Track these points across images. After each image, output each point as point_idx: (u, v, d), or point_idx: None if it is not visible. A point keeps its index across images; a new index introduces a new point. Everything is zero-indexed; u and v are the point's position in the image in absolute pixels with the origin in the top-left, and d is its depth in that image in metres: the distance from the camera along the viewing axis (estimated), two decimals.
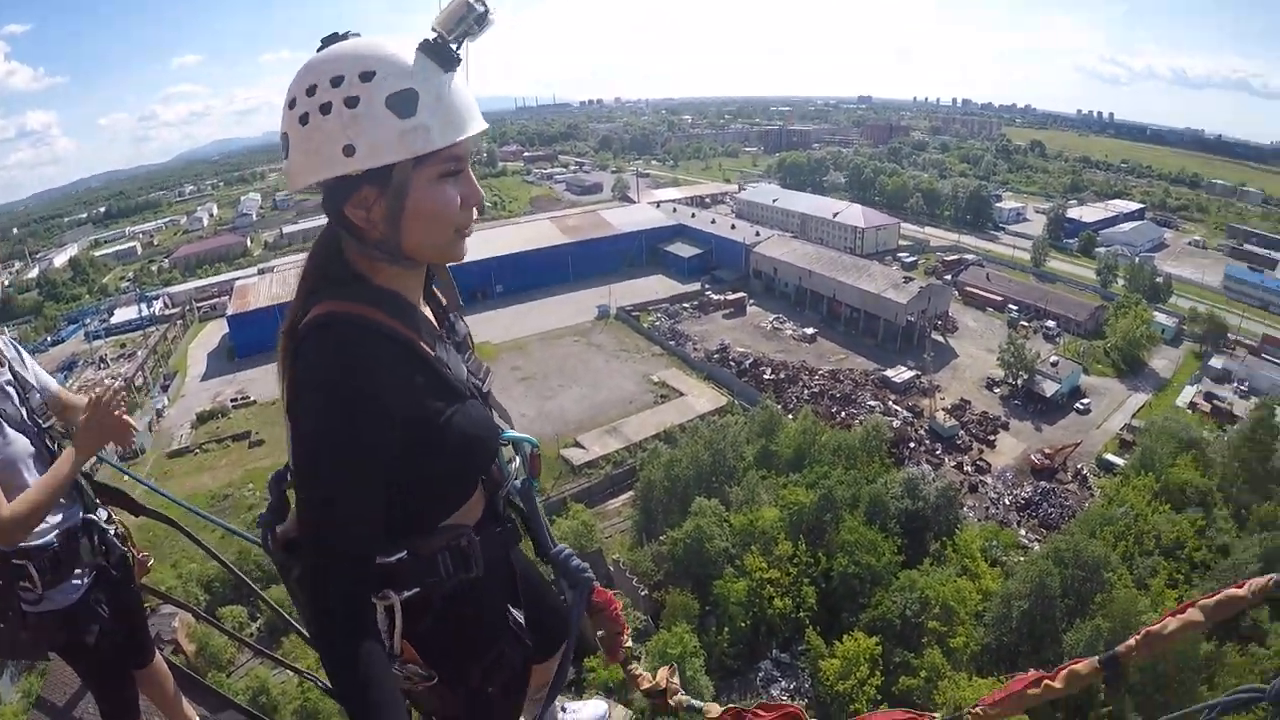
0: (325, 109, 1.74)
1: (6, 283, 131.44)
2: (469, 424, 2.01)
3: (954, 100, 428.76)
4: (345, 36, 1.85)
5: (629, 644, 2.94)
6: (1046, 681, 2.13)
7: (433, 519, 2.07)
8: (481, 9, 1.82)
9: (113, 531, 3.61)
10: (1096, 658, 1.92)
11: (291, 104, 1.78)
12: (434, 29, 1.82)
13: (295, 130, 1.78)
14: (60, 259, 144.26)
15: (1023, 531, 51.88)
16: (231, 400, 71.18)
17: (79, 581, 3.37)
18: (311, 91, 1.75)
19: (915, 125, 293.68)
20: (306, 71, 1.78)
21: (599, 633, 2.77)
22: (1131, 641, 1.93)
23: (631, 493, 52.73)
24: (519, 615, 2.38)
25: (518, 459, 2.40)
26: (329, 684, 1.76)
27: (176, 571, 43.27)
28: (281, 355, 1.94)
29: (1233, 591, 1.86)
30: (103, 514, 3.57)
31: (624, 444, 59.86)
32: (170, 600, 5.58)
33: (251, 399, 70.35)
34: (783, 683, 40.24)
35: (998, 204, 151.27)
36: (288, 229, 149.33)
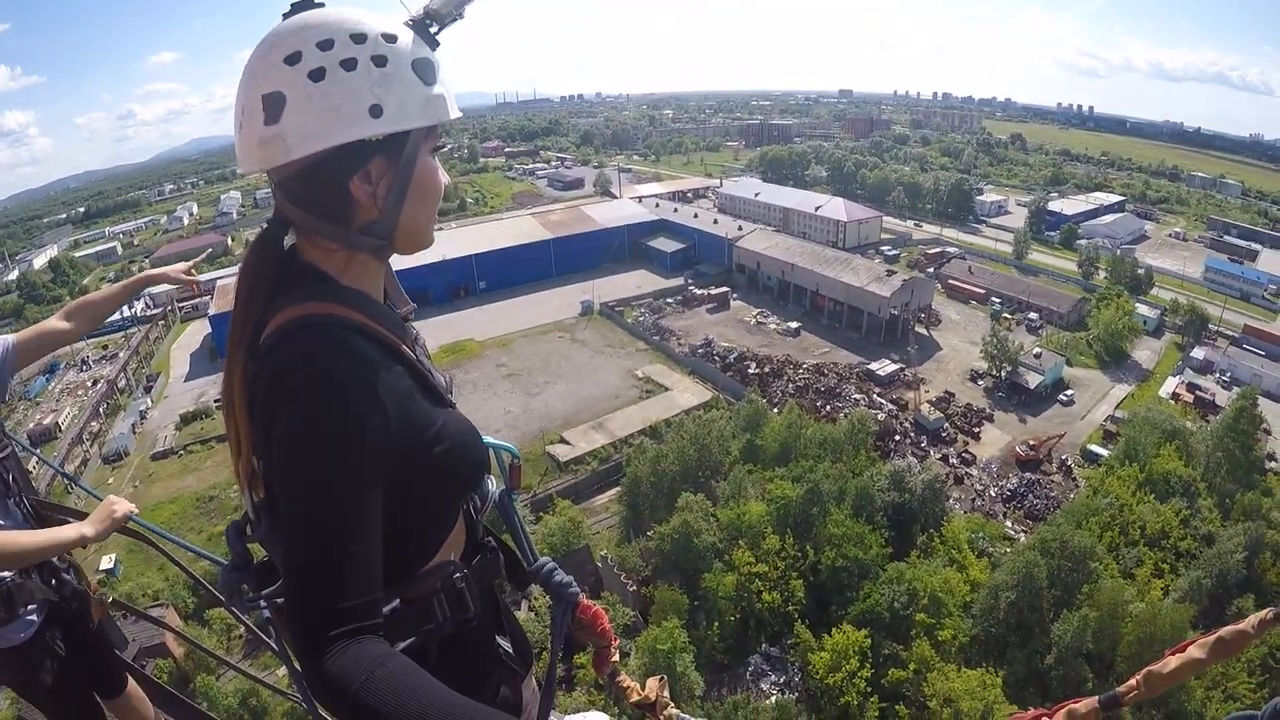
0: (349, 64, 1.64)
1: None
2: (459, 433, 1.86)
3: (934, 94, 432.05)
4: (316, 5, 1.74)
5: (616, 657, 2.81)
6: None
7: (424, 556, 1.88)
8: None
9: (64, 568, 3.52)
10: (1096, 698, 1.84)
11: (292, 58, 1.63)
12: (418, 13, 1.81)
13: (301, 87, 1.62)
14: (40, 260, 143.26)
15: (1009, 523, 52.33)
16: (215, 401, 69.62)
17: (32, 619, 3.31)
18: (326, 46, 1.64)
19: (896, 119, 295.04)
20: (305, 27, 1.66)
21: (587, 647, 2.62)
22: (1132, 681, 1.85)
23: (618, 488, 52.58)
24: (507, 644, 2.19)
25: (490, 477, 2.21)
26: None
27: (164, 574, 43.03)
28: (236, 375, 1.75)
29: (1236, 627, 1.79)
30: None
31: (610, 440, 59.72)
32: (144, 616, 5.46)
33: None
34: (773, 676, 40.20)
35: (979, 197, 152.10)
36: None
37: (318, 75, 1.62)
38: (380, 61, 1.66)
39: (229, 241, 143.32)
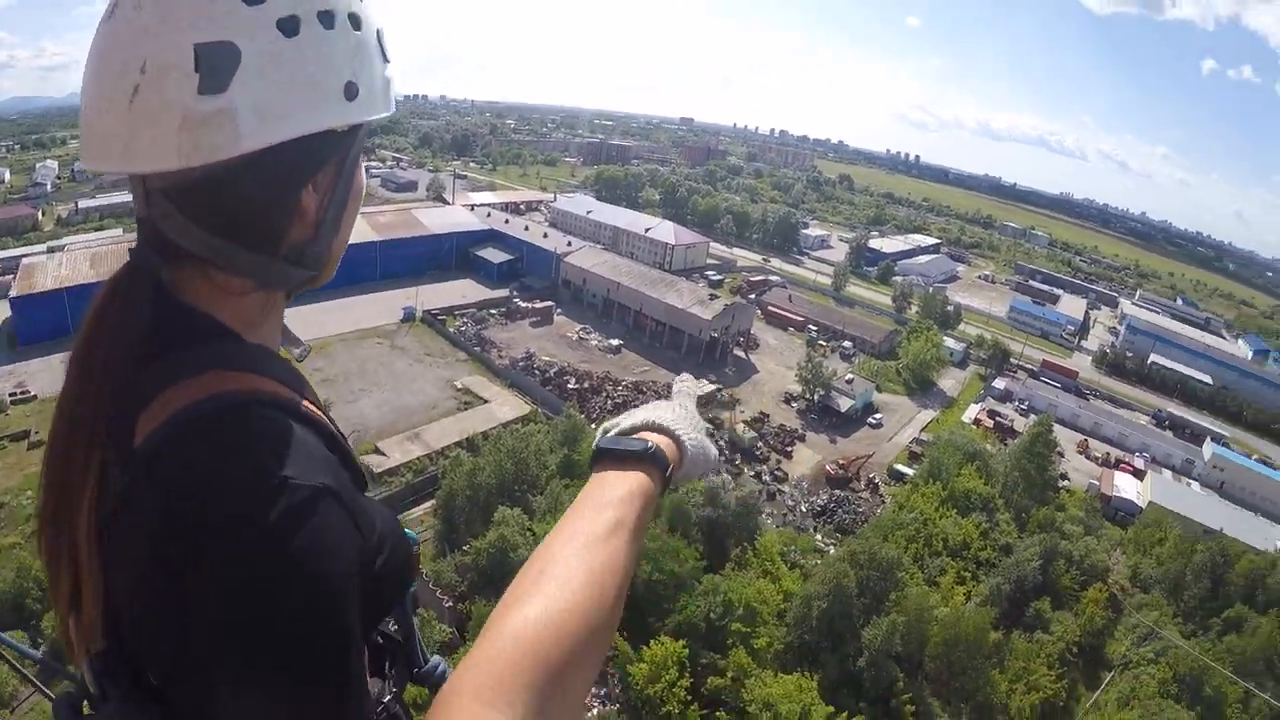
0: (327, 19, 1.22)
1: None
2: (391, 531, 1.34)
3: (771, 130, 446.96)
4: None
5: None
6: None
7: None
8: None
9: None
10: None
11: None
12: None
13: (268, 41, 1.15)
14: None
15: (819, 536, 53.56)
16: (10, 395, 61.86)
17: None
18: None
19: (733, 150, 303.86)
20: None
21: None
22: None
23: (433, 501, 50.92)
24: None
25: None
26: None
27: None
28: (83, 487, 1.15)
29: None
30: None
31: (426, 451, 57.73)
32: None
33: (32, 393, 61.46)
34: (592, 688, 39.43)
35: (805, 230, 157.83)
36: (84, 203, 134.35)
37: (290, 27, 1.17)
38: (355, 22, 1.27)
39: (39, 215, 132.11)
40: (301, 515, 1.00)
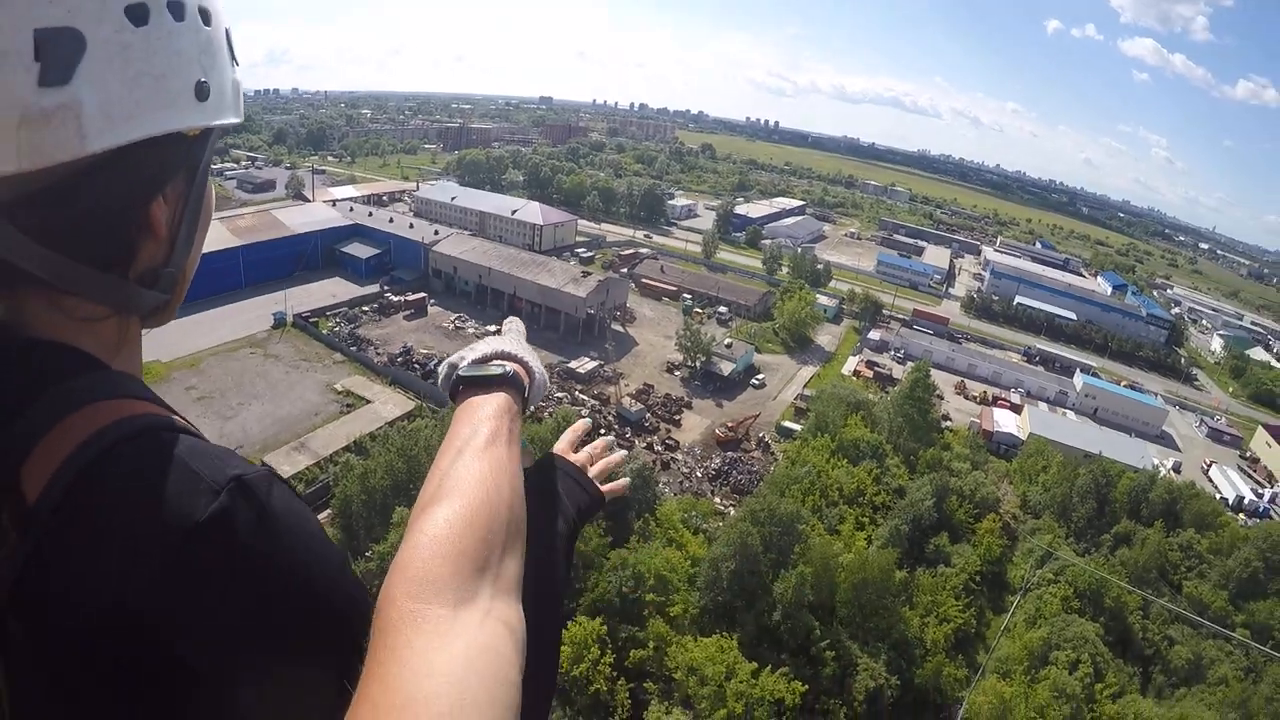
0: (177, 10, 1.12)
1: None
2: None
3: (631, 104, 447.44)
4: None
5: None
6: None
7: None
8: None
9: None
10: None
11: None
12: None
13: (113, 30, 1.04)
14: None
15: (718, 499, 54.28)
16: None
17: None
18: None
19: (594, 127, 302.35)
20: None
21: None
22: None
23: (329, 511, 49.33)
24: None
25: None
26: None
27: None
28: None
29: None
30: None
31: (314, 460, 55.93)
32: None
33: None
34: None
35: (670, 201, 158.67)
36: None
37: (139, 15, 1.06)
38: (205, 17, 1.18)
39: None
40: (273, 494, 0.99)
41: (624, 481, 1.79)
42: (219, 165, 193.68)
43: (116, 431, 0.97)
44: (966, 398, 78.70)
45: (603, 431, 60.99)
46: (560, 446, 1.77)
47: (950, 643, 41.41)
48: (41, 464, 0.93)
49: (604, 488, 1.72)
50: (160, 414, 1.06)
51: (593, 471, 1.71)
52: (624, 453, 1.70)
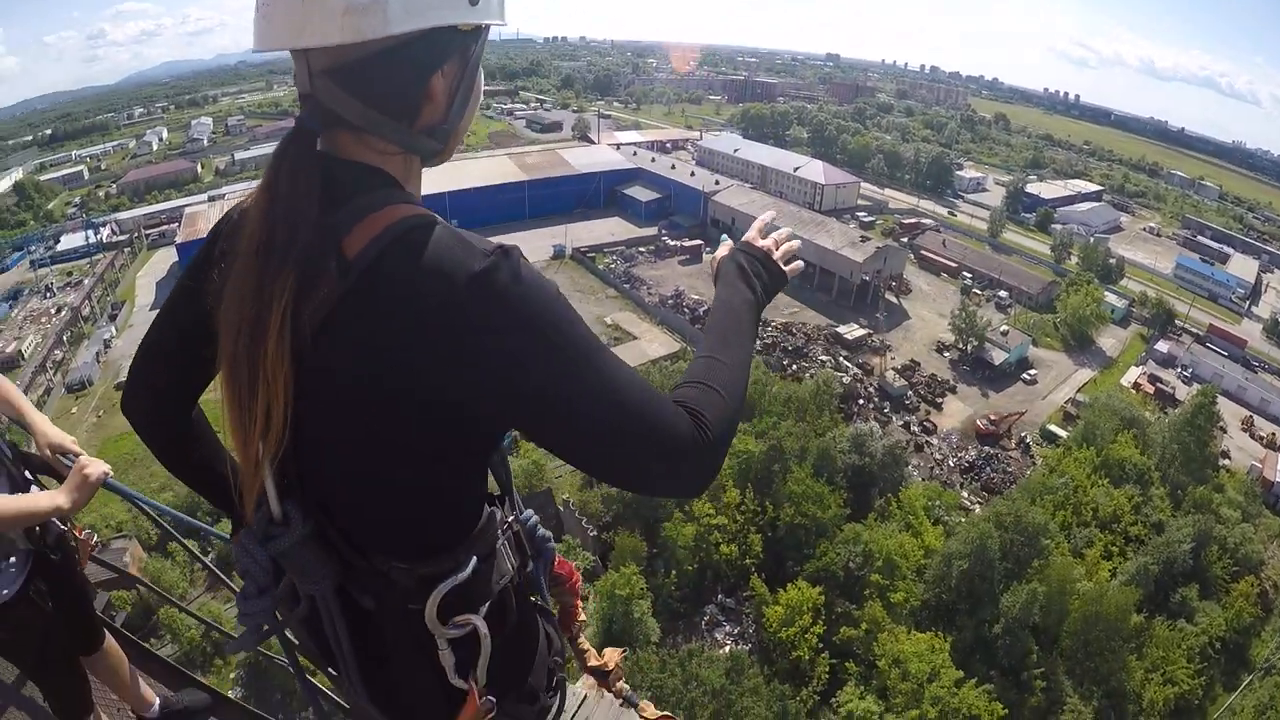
0: None
1: None
2: None
3: (922, 66, 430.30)
4: None
5: (583, 617, 2.92)
6: None
7: (483, 502, 1.69)
8: None
9: None
10: None
11: None
12: None
13: None
14: (4, 184, 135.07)
15: (965, 493, 52.58)
16: None
17: (13, 572, 3.00)
18: None
19: (881, 87, 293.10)
20: None
21: (555, 605, 2.53)
22: None
23: None
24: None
25: None
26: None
27: (126, 505, 41.56)
28: (273, 307, 1.32)
29: None
30: (35, 490, 3.01)
31: None
32: (107, 565, 5.28)
33: None
34: (727, 627, 40.56)
35: (959, 172, 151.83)
36: (240, 155, 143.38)
37: None
38: None
39: (199, 168, 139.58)
40: (517, 257, 1.30)
41: (799, 264, 2.06)
42: (509, 105, 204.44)
43: (413, 219, 1.33)
44: (1253, 437, 67.36)
45: (860, 403, 60.83)
46: (750, 235, 2.03)
47: (1170, 708, 37.28)
48: (359, 236, 1.31)
49: (786, 268, 1.99)
50: (440, 222, 1.36)
51: (777, 255, 1.98)
52: (799, 241, 2.02)
